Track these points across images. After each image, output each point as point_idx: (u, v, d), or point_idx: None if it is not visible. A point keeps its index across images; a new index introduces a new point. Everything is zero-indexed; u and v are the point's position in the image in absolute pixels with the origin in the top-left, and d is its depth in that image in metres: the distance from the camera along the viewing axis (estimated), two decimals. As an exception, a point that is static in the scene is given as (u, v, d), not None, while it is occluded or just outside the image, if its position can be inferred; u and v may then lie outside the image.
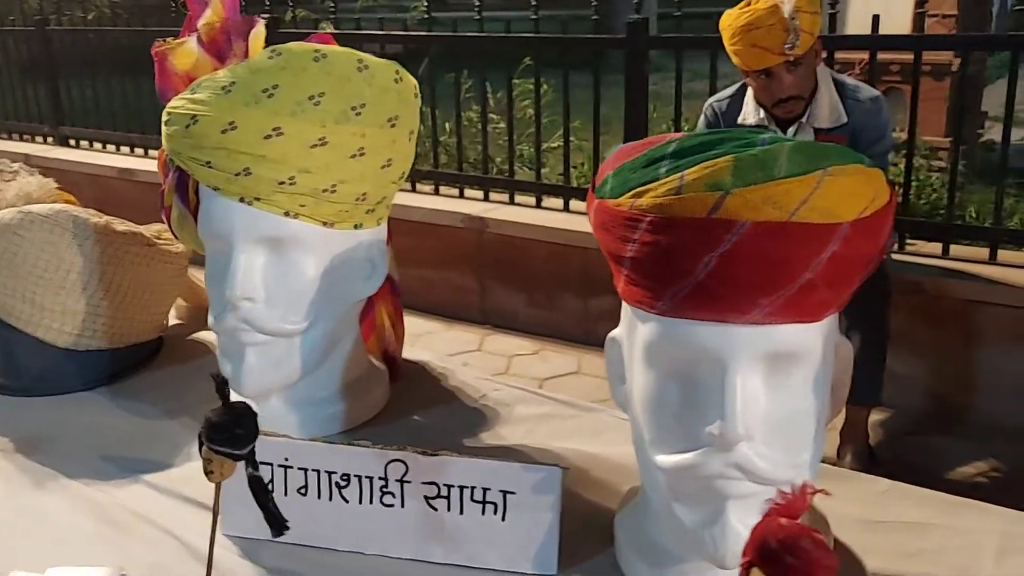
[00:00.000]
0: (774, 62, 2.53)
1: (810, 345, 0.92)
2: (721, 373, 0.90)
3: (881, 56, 4.06)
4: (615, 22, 3.95)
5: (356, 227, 1.26)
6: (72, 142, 5.30)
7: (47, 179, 1.68)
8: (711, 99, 2.87)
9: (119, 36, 4.93)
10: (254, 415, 0.91)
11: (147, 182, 4.31)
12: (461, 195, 3.93)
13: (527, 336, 3.78)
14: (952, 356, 3.02)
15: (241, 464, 0.93)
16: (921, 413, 3.07)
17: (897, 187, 3.63)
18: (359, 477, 1.08)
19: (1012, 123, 3.05)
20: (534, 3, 3.60)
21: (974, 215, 3.68)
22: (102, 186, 4.75)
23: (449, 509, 1.07)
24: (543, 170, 3.88)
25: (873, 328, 2.72)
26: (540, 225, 3.60)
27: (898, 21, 3.17)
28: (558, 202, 3.72)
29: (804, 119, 2.67)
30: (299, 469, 1.10)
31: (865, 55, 3.22)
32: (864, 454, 2.79)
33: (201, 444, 0.92)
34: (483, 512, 1.07)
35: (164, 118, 1.21)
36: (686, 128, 3.77)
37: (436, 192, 3.98)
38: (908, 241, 3.20)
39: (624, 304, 1.01)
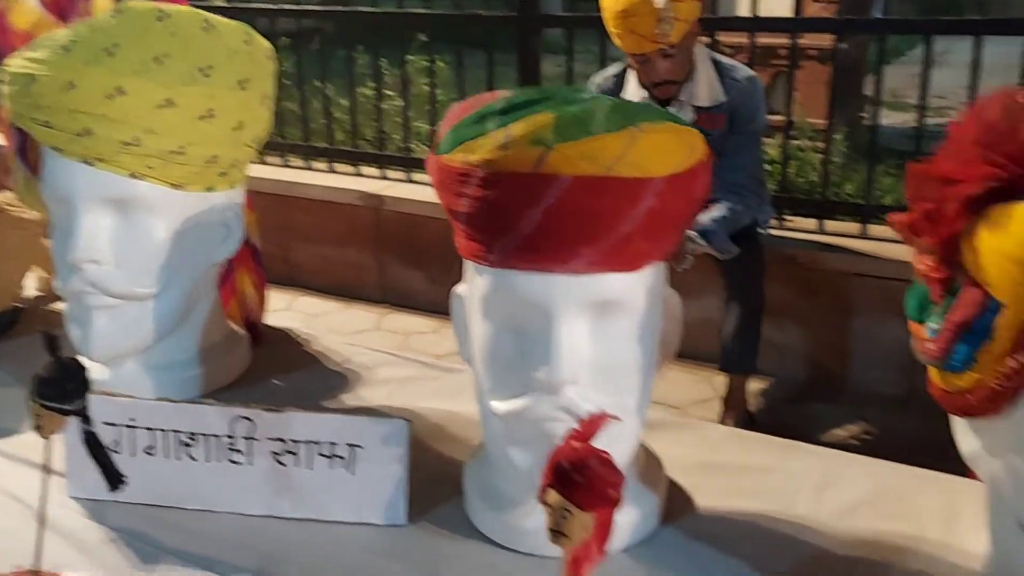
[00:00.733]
0: (649, 49, 2.59)
1: (632, 294, 0.97)
2: (548, 321, 0.94)
3: (771, 40, 4.21)
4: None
5: (208, 190, 1.26)
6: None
7: None
8: (595, 76, 2.94)
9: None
10: (83, 370, 0.91)
11: None
12: (358, 173, 3.92)
13: (426, 314, 3.79)
14: (828, 326, 3.17)
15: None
16: (800, 381, 3.22)
17: (775, 165, 3.78)
18: (205, 436, 1.09)
19: (884, 106, 3.22)
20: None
21: (850, 193, 3.85)
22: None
23: (297, 465, 1.09)
24: (440, 148, 3.89)
25: (749, 300, 2.83)
26: (437, 203, 3.59)
27: (787, 3, 3.31)
28: (454, 180, 3.74)
29: (683, 98, 2.75)
30: (145, 429, 1.10)
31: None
32: (744, 420, 2.92)
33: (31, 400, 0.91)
34: (331, 466, 1.09)
35: (2, 78, 1.18)
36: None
37: (331, 170, 3.95)
38: (787, 217, 3.35)
39: (464, 260, 1.04)
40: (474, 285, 1.02)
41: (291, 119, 4.16)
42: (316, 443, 1.08)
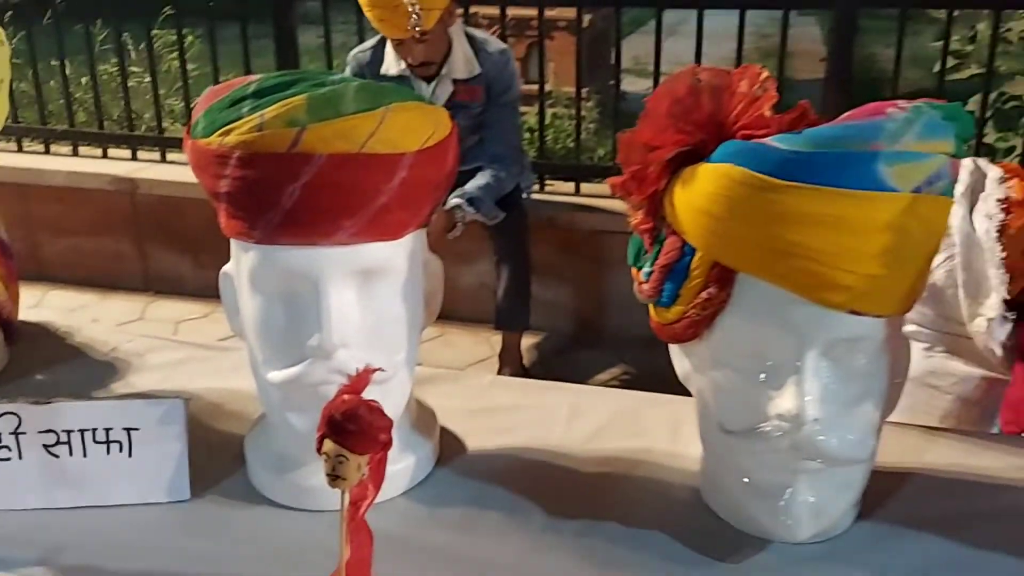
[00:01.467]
0: (402, 36, 2.67)
1: (395, 261, 1.05)
2: (316, 291, 1.00)
3: (523, 12, 4.42)
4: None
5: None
6: None
7: None
8: (354, 50, 2.97)
9: None
10: None
11: None
12: (105, 155, 3.69)
13: (196, 300, 3.67)
14: (588, 281, 3.44)
15: None
16: (567, 333, 3.47)
17: (534, 134, 4.00)
18: (-33, 435, 1.06)
19: (631, 74, 3.50)
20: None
21: (602, 157, 4.16)
22: None
23: (71, 454, 1.08)
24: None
25: (516, 262, 3.03)
26: (196, 183, 3.50)
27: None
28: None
29: (443, 72, 2.86)
30: None
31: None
32: (519, 373, 3.12)
33: None
34: (108, 452, 1.09)
35: None
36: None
37: (75, 153, 3.70)
38: (547, 182, 3.57)
39: (230, 239, 1.08)
40: (241, 262, 1.06)
41: (25, 101, 3.83)
42: (90, 430, 1.08)
